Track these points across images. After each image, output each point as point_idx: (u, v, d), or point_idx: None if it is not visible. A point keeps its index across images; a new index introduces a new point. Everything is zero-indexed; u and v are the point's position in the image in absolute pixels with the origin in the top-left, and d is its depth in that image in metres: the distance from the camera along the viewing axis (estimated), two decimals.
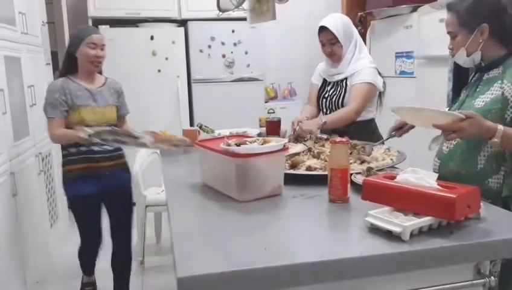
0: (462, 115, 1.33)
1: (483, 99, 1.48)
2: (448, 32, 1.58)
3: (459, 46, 1.54)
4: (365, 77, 2.20)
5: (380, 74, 2.28)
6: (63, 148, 2.32)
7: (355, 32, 2.28)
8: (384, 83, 2.28)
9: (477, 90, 1.55)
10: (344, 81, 2.28)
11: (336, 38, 2.21)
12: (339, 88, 2.31)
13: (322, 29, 2.23)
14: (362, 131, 2.20)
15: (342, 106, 2.27)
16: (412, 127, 1.83)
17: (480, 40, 1.50)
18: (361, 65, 2.23)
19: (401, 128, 1.85)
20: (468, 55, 1.53)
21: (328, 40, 2.23)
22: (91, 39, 2.21)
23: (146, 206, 2.99)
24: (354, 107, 2.17)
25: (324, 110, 2.38)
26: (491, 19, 1.47)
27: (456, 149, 1.54)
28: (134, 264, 3.03)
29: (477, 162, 1.48)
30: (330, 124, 2.14)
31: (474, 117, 1.34)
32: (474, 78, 1.61)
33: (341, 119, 2.17)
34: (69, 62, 2.27)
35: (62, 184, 2.34)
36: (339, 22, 2.22)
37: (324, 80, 2.41)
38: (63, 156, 2.31)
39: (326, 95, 2.37)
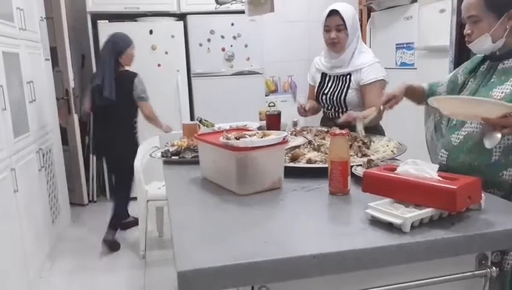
0: None
1: (502, 90, 1.40)
2: (469, 16, 1.45)
3: (482, 32, 1.43)
4: (377, 74, 2.14)
5: None
6: (134, 118, 3.24)
7: (359, 24, 2.23)
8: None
9: (492, 80, 1.46)
10: (348, 77, 2.20)
11: (345, 25, 2.13)
12: (340, 83, 2.23)
13: (332, 13, 2.14)
14: None
15: (345, 102, 2.19)
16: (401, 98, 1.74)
17: (507, 27, 1.39)
18: (365, 60, 2.16)
19: (389, 101, 1.76)
20: (493, 42, 1.43)
21: (336, 25, 2.14)
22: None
23: (147, 201, 3.00)
24: None
25: (325, 106, 2.31)
26: None
27: (466, 140, 1.46)
28: (136, 258, 3.06)
29: (491, 154, 1.40)
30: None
31: None
32: (485, 67, 1.54)
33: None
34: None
35: (135, 141, 3.22)
36: (349, 9, 2.16)
37: (323, 74, 2.31)
38: (134, 123, 3.24)
39: (326, 91, 2.28)
